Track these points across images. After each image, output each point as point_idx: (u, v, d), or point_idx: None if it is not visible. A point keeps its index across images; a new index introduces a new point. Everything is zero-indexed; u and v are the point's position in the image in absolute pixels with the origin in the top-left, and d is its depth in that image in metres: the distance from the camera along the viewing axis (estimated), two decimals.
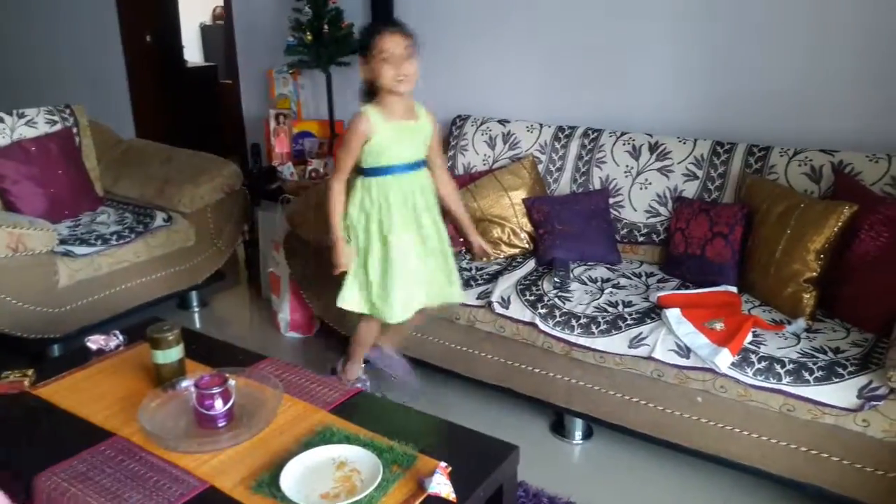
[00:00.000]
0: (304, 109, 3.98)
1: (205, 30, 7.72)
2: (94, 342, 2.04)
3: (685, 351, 2.06)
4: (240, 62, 4.30)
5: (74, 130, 3.41)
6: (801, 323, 2.12)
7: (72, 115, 3.43)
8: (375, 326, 2.40)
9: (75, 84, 5.21)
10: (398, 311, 2.22)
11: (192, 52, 7.26)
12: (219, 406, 1.61)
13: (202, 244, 3.34)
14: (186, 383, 1.74)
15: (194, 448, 1.55)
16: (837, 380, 1.86)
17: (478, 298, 2.47)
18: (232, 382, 1.65)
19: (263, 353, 2.05)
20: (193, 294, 3.48)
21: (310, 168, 3.62)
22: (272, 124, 3.79)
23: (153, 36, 5.35)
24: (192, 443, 1.57)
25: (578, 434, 2.44)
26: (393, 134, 2.14)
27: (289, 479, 1.42)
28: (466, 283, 2.53)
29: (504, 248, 2.77)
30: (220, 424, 1.62)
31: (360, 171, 2.20)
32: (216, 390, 1.61)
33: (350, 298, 2.28)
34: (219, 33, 6.84)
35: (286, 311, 3.18)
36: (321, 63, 3.55)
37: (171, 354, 1.81)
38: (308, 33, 3.48)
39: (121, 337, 2.07)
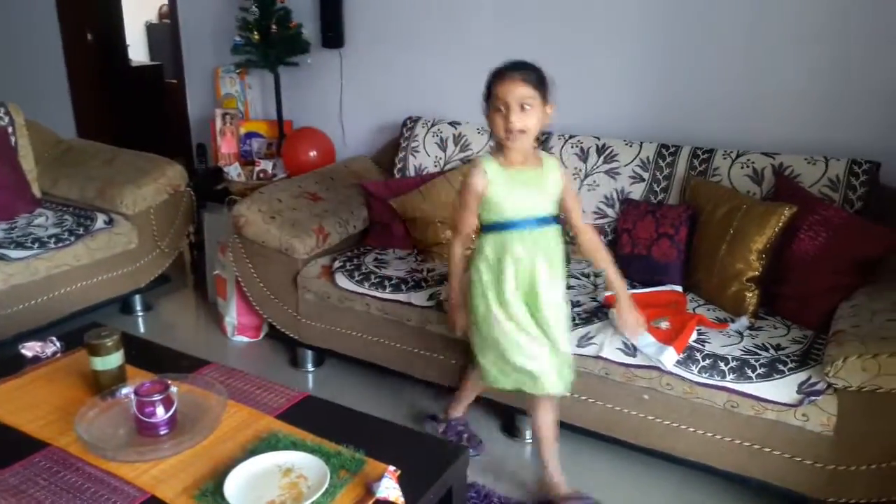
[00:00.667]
0: (252, 109, 3.91)
1: (150, 28, 7.55)
2: (30, 349, 1.97)
3: (632, 349, 2.09)
4: (185, 61, 4.21)
5: (10, 130, 3.28)
6: (744, 321, 2.17)
7: (7, 114, 3.30)
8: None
9: (13, 83, 5.01)
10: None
11: (138, 51, 7.10)
12: (160, 413, 1.57)
13: (145, 246, 3.25)
14: (126, 390, 1.68)
15: (134, 457, 1.50)
16: (778, 376, 1.91)
17: (429, 300, 2.46)
18: (174, 389, 1.61)
19: (210, 358, 2.00)
20: (137, 298, 3.39)
21: (258, 169, 3.56)
22: (218, 124, 3.72)
23: (95, 34, 5.20)
24: (131, 452, 1.52)
25: (529, 433, 2.45)
26: (510, 181, 1.87)
27: (233, 487, 1.39)
28: (417, 285, 2.52)
29: None
30: (161, 432, 1.57)
31: (480, 228, 1.96)
32: (157, 397, 1.56)
33: (498, 379, 1.99)
34: (165, 32, 6.68)
35: (233, 315, 3.12)
36: (269, 63, 3.50)
37: (111, 361, 1.75)
38: (255, 33, 3.42)
39: (58, 343, 2.00)
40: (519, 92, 1.79)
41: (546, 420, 2.05)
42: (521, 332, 1.90)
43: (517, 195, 1.88)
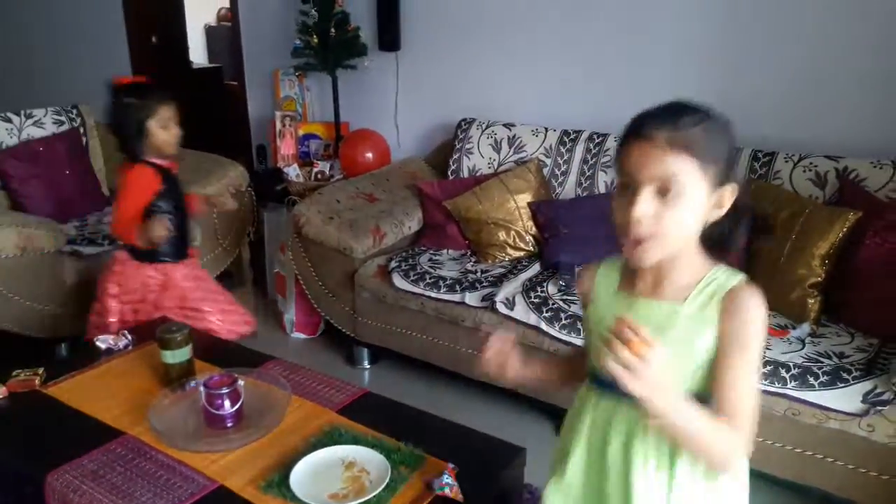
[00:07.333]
0: (310, 111, 3.99)
1: (209, 31, 7.74)
2: (104, 341, 2.05)
3: None
4: (245, 64, 4.31)
5: (81, 131, 3.43)
6: (805, 328, 2.14)
7: (79, 115, 3.45)
8: None
9: (85, 84, 5.21)
10: None
11: (197, 53, 7.28)
12: (228, 406, 1.62)
13: (208, 244, 3.35)
14: (195, 383, 1.74)
15: (204, 448, 1.56)
16: (842, 385, 1.87)
17: (483, 300, 2.48)
18: (241, 383, 1.66)
19: (269, 353, 2.06)
20: None
21: (315, 170, 3.63)
22: (278, 126, 3.81)
23: (159, 37, 5.37)
24: (201, 443, 1.58)
25: None
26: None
27: (298, 479, 1.43)
28: (471, 286, 2.54)
29: (509, 250, 2.78)
30: (228, 424, 1.63)
31: None
32: (225, 390, 1.62)
33: None
34: (223, 34, 6.85)
35: (292, 313, 3.19)
36: (327, 66, 3.56)
37: (180, 354, 1.81)
38: (314, 36, 3.49)
39: (130, 337, 2.08)
40: (655, 164, 1.05)
41: None
42: None
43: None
